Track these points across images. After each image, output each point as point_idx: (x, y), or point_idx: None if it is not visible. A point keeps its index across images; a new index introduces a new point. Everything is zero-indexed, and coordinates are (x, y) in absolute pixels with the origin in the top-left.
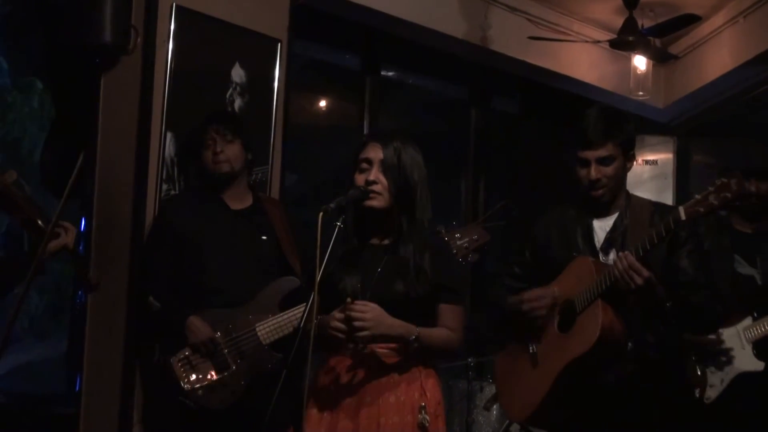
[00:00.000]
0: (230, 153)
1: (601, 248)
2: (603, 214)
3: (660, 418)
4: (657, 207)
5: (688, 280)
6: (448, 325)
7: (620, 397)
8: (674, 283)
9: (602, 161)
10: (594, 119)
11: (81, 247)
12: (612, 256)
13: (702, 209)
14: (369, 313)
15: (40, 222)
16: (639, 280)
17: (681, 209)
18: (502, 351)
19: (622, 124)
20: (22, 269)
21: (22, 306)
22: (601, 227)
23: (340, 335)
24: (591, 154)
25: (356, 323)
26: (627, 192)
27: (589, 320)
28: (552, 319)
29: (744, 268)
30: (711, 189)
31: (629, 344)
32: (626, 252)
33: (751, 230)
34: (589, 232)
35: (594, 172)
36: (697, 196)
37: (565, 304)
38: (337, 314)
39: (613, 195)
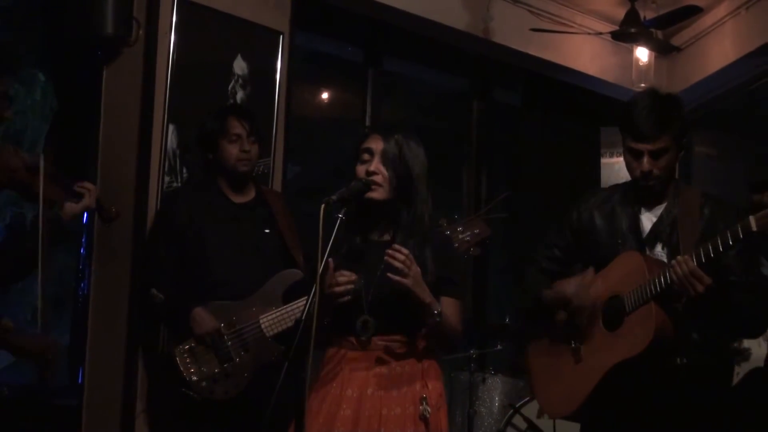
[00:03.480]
0: (254, 154)
1: (647, 239)
2: (650, 203)
3: (703, 419)
4: (707, 198)
5: (738, 280)
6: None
7: (662, 395)
8: (722, 283)
9: (655, 154)
10: (648, 109)
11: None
12: (658, 248)
13: None
14: (413, 267)
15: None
16: (700, 288)
17: (752, 219)
18: (536, 343)
19: (678, 114)
20: (24, 258)
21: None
22: (648, 217)
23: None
24: (644, 147)
25: (399, 265)
26: (676, 180)
27: (641, 323)
28: (596, 314)
29: (767, 270)
30: None
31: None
32: (686, 257)
33: None
34: (636, 220)
35: (647, 164)
36: None
37: (612, 301)
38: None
39: (664, 186)
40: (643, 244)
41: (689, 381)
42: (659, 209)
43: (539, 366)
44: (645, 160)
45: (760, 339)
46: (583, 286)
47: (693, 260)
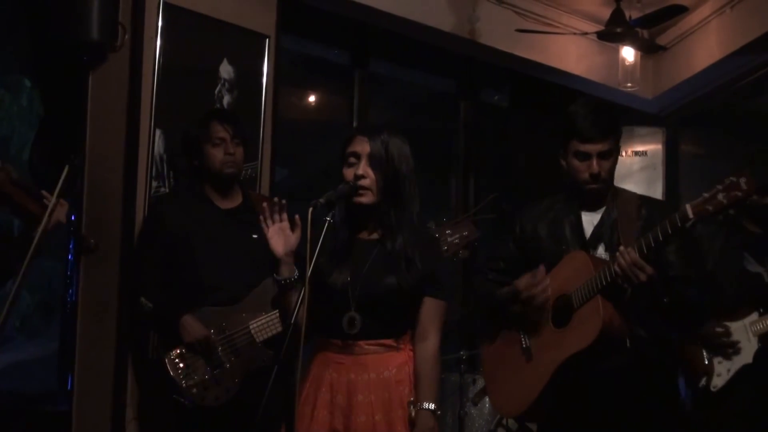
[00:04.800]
0: (239, 157)
1: (589, 241)
2: (591, 207)
3: (652, 411)
4: (644, 200)
5: (678, 275)
6: (428, 320)
7: (612, 390)
8: (664, 278)
9: (603, 155)
10: (593, 113)
11: (73, 217)
12: (600, 249)
13: (711, 207)
14: None
15: (31, 206)
16: (643, 277)
17: (688, 207)
18: (489, 345)
19: (618, 119)
20: (14, 259)
21: (16, 300)
22: (589, 220)
23: None
24: (593, 148)
25: None
26: (614, 186)
27: (589, 315)
28: (545, 313)
29: (753, 266)
30: (719, 187)
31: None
32: (628, 248)
33: (762, 231)
34: (578, 224)
35: (596, 165)
36: (705, 194)
37: (560, 299)
38: None
39: (606, 189)
40: (586, 245)
41: (637, 376)
42: (599, 212)
43: (492, 366)
44: (594, 161)
45: (749, 334)
46: (535, 282)
47: (635, 251)
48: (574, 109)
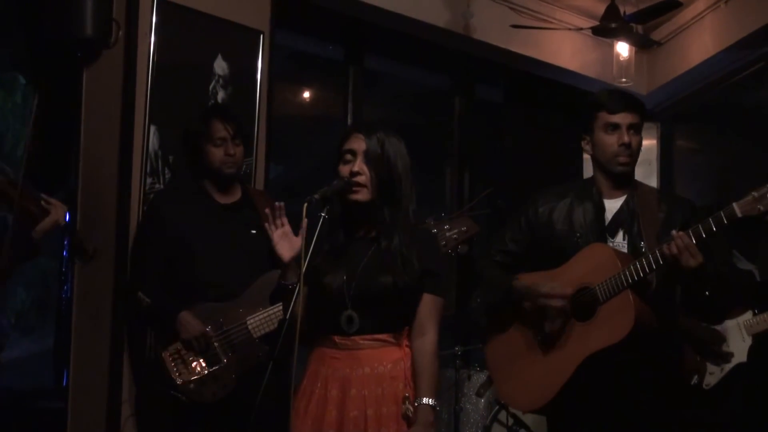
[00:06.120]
0: (238, 156)
1: (609, 227)
2: (611, 194)
3: (660, 402)
4: (662, 194)
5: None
6: (425, 315)
7: (617, 385)
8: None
9: (633, 127)
10: (619, 90)
11: (68, 218)
12: (619, 237)
13: (762, 207)
14: None
15: (31, 207)
16: (693, 263)
17: (735, 206)
18: (493, 337)
19: (643, 104)
20: (8, 259)
21: (8, 299)
22: (609, 207)
23: None
24: (623, 119)
25: None
26: (633, 176)
27: (619, 310)
28: (565, 306)
29: (743, 264)
30: None
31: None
32: (682, 233)
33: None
34: (598, 210)
35: (626, 135)
36: (754, 194)
37: (582, 293)
38: None
39: (632, 171)
40: (605, 232)
41: (641, 371)
42: (619, 200)
43: (501, 359)
44: (624, 131)
45: (744, 333)
46: (551, 279)
47: (690, 237)
48: (600, 91)
